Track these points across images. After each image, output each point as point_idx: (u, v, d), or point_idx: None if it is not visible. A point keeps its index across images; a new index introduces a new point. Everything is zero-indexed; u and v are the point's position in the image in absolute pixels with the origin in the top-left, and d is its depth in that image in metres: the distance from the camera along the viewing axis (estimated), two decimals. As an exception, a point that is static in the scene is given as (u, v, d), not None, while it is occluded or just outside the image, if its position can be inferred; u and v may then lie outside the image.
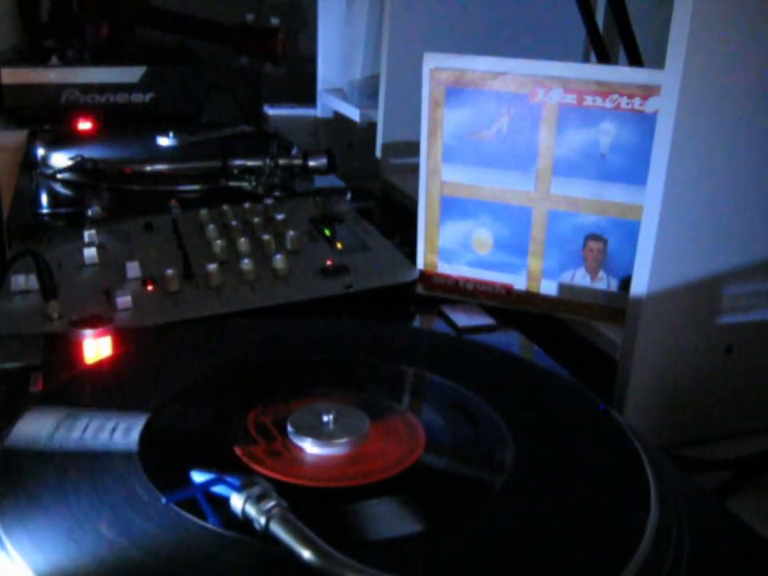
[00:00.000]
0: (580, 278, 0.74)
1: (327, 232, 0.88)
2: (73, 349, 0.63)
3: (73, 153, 1.12)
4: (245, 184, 1.07)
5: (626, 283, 0.70)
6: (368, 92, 1.37)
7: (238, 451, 0.48)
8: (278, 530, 0.38)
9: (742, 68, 0.60)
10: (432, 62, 0.75)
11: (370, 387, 0.56)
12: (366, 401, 0.54)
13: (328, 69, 1.55)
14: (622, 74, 0.70)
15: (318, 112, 1.57)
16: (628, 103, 0.69)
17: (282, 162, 1.10)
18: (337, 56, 1.54)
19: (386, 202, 1.16)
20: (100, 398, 0.54)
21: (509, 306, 0.77)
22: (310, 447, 0.48)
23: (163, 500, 0.42)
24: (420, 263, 0.80)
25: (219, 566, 0.38)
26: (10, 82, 1.44)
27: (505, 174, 0.75)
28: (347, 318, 0.73)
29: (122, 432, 0.48)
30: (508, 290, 0.77)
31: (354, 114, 1.39)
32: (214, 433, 0.50)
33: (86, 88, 1.47)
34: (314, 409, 0.50)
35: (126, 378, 0.57)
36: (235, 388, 0.56)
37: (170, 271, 0.75)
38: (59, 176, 1.11)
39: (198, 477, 0.43)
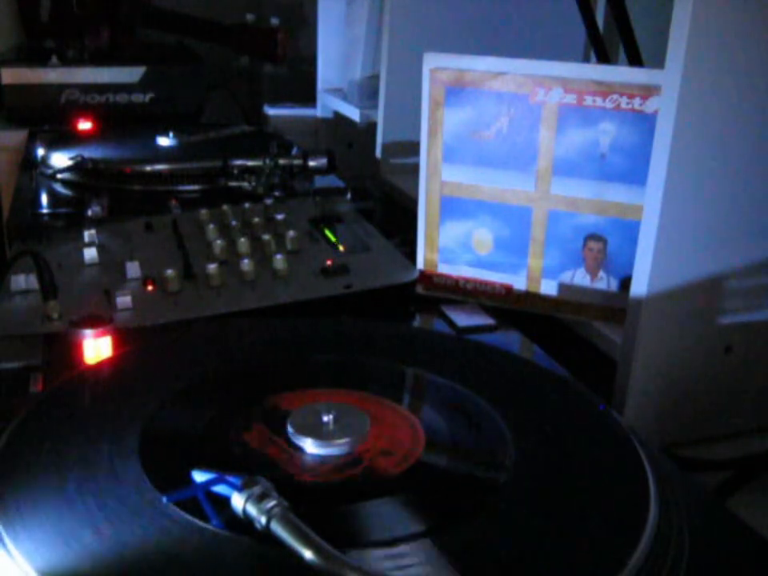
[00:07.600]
0: (580, 278, 0.74)
1: (327, 232, 0.88)
2: (73, 349, 0.63)
3: (73, 153, 1.12)
4: (245, 184, 1.06)
5: (626, 283, 0.70)
6: (368, 92, 1.37)
7: (238, 450, 0.48)
8: (278, 529, 0.38)
9: (741, 68, 0.60)
10: (432, 62, 0.75)
11: (371, 387, 0.56)
12: (366, 401, 0.54)
13: (328, 69, 1.55)
14: (621, 74, 0.70)
15: (318, 112, 1.57)
16: (628, 103, 0.69)
17: (282, 161, 1.10)
18: (337, 56, 1.54)
19: (386, 202, 1.16)
20: (101, 399, 0.54)
21: (509, 306, 0.77)
22: (310, 447, 0.48)
23: (163, 500, 0.42)
24: (420, 263, 0.80)
25: (219, 565, 0.38)
26: (9, 82, 1.44)
27: (505, 174, 0.75)
28: (347, 317, 0.73)
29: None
30: (508, 290, 0.77)
31: (354, 113, 1.39)
32: (214, 433, 0.50)
33: (86, 88, 1.47)
34: (314, 409, 0.50)
35: (126, 378, 0.57)
36: (235, 388, 0.56)
37: (169, 271, 0.75)
38: (59, 176, 1.11)
39: (199, 476, 0.43)
